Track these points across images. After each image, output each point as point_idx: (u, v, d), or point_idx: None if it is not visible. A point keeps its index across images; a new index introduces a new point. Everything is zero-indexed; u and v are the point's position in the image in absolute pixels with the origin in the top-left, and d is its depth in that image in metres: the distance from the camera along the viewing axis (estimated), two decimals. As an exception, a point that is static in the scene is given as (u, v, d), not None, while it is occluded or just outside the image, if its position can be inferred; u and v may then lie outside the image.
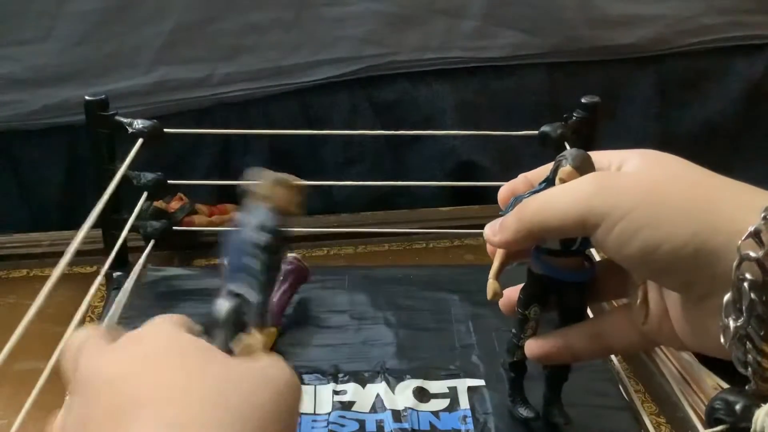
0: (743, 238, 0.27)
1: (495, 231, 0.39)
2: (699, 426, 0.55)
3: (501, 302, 0.45)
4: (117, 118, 0.67)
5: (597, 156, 0.37)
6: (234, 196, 1.01)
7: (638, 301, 0.36)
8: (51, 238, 0.82)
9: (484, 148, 1.13)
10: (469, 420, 0.55)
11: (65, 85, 1.04)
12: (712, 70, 1.22)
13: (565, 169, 0.35)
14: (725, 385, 0.57)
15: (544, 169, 0.39)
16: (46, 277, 0.45)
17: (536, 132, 0.70)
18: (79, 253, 0.49)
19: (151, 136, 0.66)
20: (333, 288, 0.69)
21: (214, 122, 1.10)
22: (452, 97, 1.14)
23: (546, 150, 0.70)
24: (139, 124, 0.66)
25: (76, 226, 0.51)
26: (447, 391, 0.58)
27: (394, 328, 0.64)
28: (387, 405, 0.56)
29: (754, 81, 1.22)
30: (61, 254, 0.47)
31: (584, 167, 0.35)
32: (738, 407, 0.30)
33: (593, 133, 0.70)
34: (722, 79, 1.22)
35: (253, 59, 1.09)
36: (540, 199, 0.36)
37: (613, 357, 0.62)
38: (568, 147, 0.67)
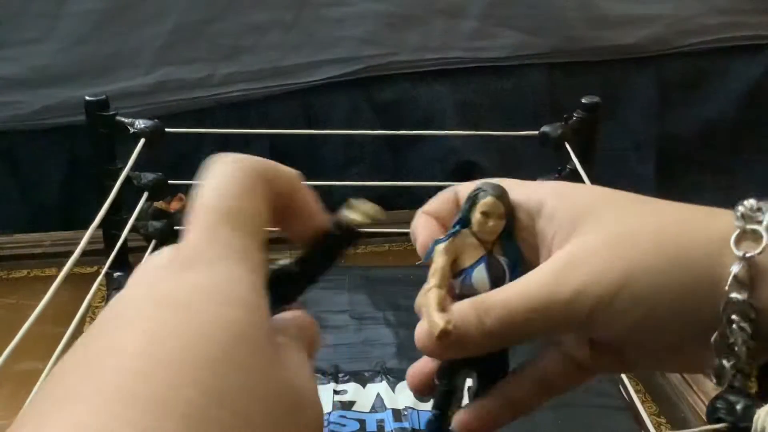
0: (728, 284, 0.27)
1: (430, 338, 0.30)
2: (699, 426, 0.55)
3: (411, 380, 0.36)
4: (117, 118, 0.67)
5: (509, 185, 0.34)
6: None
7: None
8: (51, 238, 0.82)
9: (484, 148, 1.13)
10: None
11: (65, 85, 1.04)
12: (712, 70, 1.22)
13: (487, 200, 0.33)
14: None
15: (443, 203, 0.36)
16: (46, 278, 0.45)
17: (536, 132, 0.70)
18: (80, 253, 0.49)
19: (153, 136, 0.66)
20: (333, 288, 0.69)
21: (214, 122, 1.10)
22: (452, 97, 1.14)
23: (546, 150, 0.70)
24: (140, 124, 0.66)
25: (76, 226, 0.51)
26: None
27: (394, 328, 0.64)
28: (387, 404, 0.56)
29: (754, 81, 1.22)
30: (61, 254, 0.47)
31: (504, 197, 0.33)
32: (739, 407, 0.30)
33: (593, 133, 0.70)
34: (722, 79, 1.22)
35: (253, 59, 1.09)
36: (515, 311, 0.30)
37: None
38: (569, 149, 0.67)
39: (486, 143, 1.12)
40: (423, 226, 0.35)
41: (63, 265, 0.47)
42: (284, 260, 0.30)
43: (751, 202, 0.29)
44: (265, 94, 1.11)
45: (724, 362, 0.29)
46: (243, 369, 0.20)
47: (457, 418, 0.34)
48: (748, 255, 0.27)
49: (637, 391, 0.61)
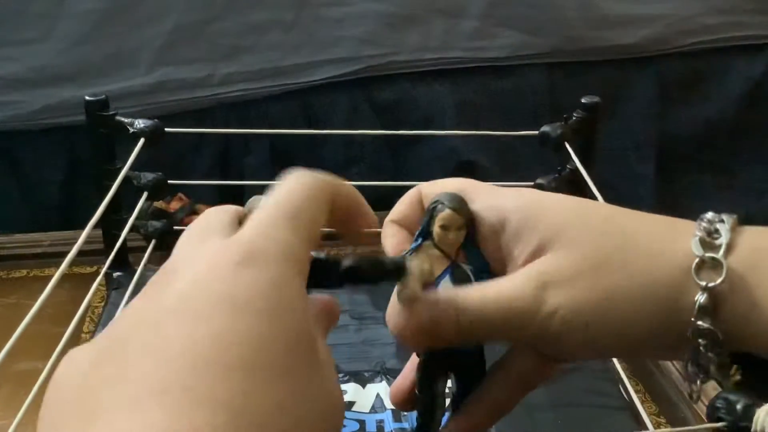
0: (695, 313, 0.29)
1: (420, 322, 0.31)
2: (700, 427, 0.55)
3: (394, 397, 0.36)
4: (117, 118, 0.67)
5: (470, 194, 0.34)
6: (234, 197, 1.02)
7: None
8: (51, 238, 0.82)
9: (484, 148, 1.13)
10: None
11: (65, 85, 1.04)
12: (712, 70, 1.22)
13: (445, 213, 0.32)
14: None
15: (408, 206, 0.36)
16: (46, 277, 0.45)
17: (536, 132, 0.69)
18: (79, 253, 0.49)
19: (153, 136, 0.66)
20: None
21: (214, 122, 1.10)
22: (452, 97, 1.14)
23: (546, 150, 0.70)
24: (140, 123, 0.66)
25: (76, 226, 0.51)
26: (447, 390, 0.58)
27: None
28: (387, 405, 0.56)
29: (754, 81, 1.22)
30: (61, 254, 0.47)
31: (462, 208, 0.33)
32: (739, 407, 0.30)
33: (593, 133, 0.70)
34: (722, 79, 1.22)
35: (253, 59, 1.09)
36: (496, 306, 0.31)
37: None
38: (569, 149, 0.67)
39: (486, 143, 1.12)
40: (390, 236, 0.35)
41: (62, 265, 0.47)
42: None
43: (708, 224, 0.30)
44: (265, 94, 1.11)
45: (694, 386, 0.31)
46: (294, 375, 0.21)
47: (451, 426, 0.35)
48: (710, 285, 0.29)
49: (637, 391, 0.61)
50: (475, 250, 0.34)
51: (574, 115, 0.69)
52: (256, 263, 0.23)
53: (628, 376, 0.61)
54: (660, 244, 0.30)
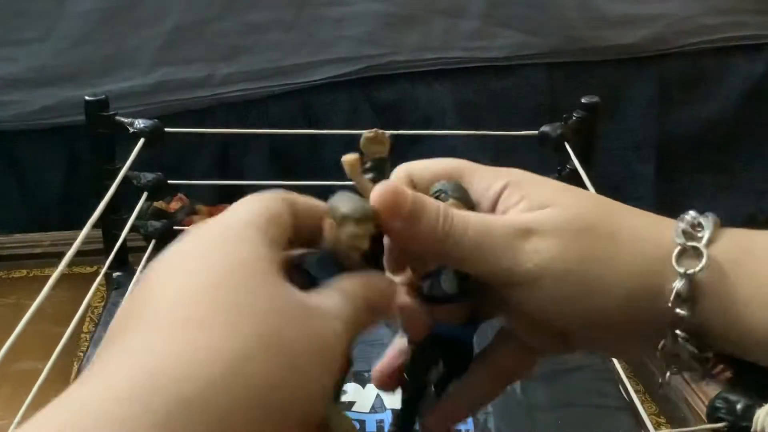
0: (671, 300, 0.29)
1: (403, 212, 0.30)
2: (699, 426, 0.55)
3: (378, 376, 0.36)
4: (117, 118, 0.67)
5: (468, 176, 0.34)
6: (234, 197, 1.01)
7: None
8: (51, 238, 0.82)
9: (483, 148, 1.13)
10: (469, 420, 0.55)
11: (65, 85, 1.04)
12: (711, 70, 1.22)
13: (450, 204, 0.32)
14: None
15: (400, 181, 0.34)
16: (46, 277, 0.44)
17: (536, 132, 0.69)
18: (79, 253, 0.49)
19: (153, 136, 0.66)
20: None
21: (214, 122, 1.10)
22: (452, 97, 1.14)
23: (546, 150, 0.70)
24: (140, 123, 0.66)
25: (76, 226, 0.51)
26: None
27: (394, 328, 0.64)
28: (387, 405, 0.56)
29: (754, 81, 1.22)
30: (61, 254, 0.47)
31: (465, 197, 0.33)
32: (739, 407, 0.30)
33: (593, 133, 0.70)
34: (722, 79, 1.22)
35: (253, 59, 1.09)
36: (470, 235, 0.30)
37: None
38: (569, 149, 0.67)
39: (485, 143, 1.12)
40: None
41: (60, 264, 0.47)
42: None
43: (691, 218, 0.30)
44: (265, 94, 1.11)
45: (669, 372, 0.30)
46: (241, 287, 0.24)
47: (426, 423, 0.35)
48: (689, 272, 0.28)
49: (637, 391, 0.61)
50: None
51: (574, 115, 0.69)
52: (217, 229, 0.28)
53: (628, 376, 0.61)
54: (647, 230, 0.31)
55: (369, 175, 0.32)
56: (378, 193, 0.30)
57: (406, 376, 0.36)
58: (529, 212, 0.31)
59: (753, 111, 1.23)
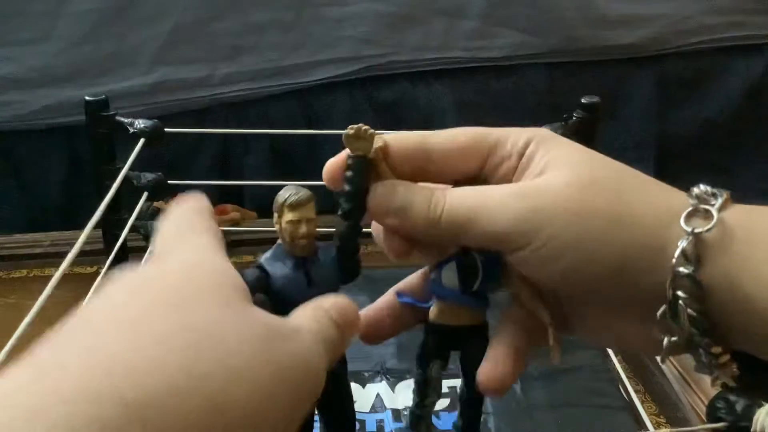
0: (675, 257, 0.27)
1: (392, 209, 0.31)
2: (699, 425, 0.55)
3: (365, 330, 0.35)
4: (117, 118, 0.67)
5: (485, 131, 0.34)
6: (234, 196, 1.02)
7: (550, 341, 0.33)
8: (51, 238, 0.82)
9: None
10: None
11: (65, 85, 1.04)
12: (711, 70, 1.22)
13: None
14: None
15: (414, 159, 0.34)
16: (46, 277, 0.45)
17: (536, 132, 0.69)
18: (79, 253, 0.49)
19: (153, 136, 0.66)
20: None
21: (214, 122, 1.10)
22: (452, 97, 1.14)
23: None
24: (140, 123, 0.66)
25: (76, 226, 0.51)
26: (447, 390, 0.58)
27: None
28: (387, 405, 0.56)
29: (753, 81, 1.22)
30: (61, 254, 0.47)
31: None
32: (739, 407, 0.30)
33: (593, 133, 0.70)
34: (721, 78, 1.22)
35: (253, 59, 1.09)
36: (462, 204, 0.30)
37: (613, 357, 0.62)
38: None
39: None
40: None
41: (61, 265, 0.47)
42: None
43: (705, 187, 0.29)
44: (265, 94, 1.11)
45: (667, 339, 0.29)
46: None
47: (480, 377, 0.32)
48: (696, 231, 0.27)
49: (637, 391, 0.61)
50: None
51: (574, 115, 0.69)
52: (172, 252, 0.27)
53: (628, 376, 0.61)
54: (656, 193, 0.30)
55: (347, 173, 0.31)
56: (371, 195, 0.31)
57: (416, 367, 0.35)
58: (529, 180, 0.31)
59: (753, 111, 1.23)
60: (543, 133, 0.33)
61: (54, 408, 0.18)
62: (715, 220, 0.27)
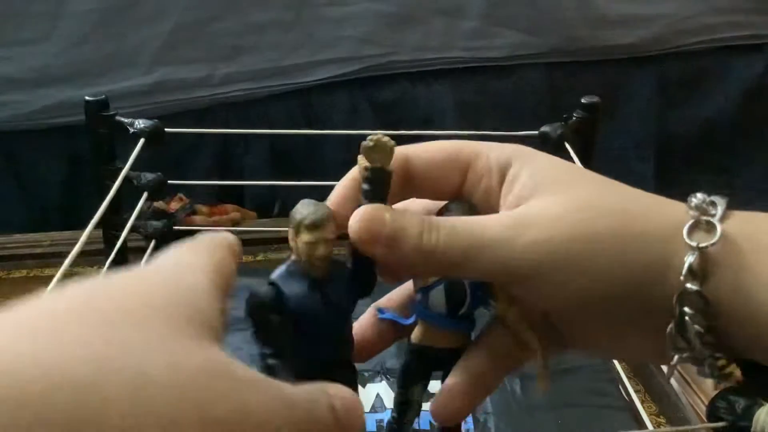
0: (683, 274, 0.27)
1: (381, 239, 0.29)
2: (699, 426, 0.55)
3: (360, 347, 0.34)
4: (117, 118, 0.67)
5: (467, 150, 0.32)
6: (234, 196, 1.02)
7: (539, 369, 0.32)
8: (51, 238, 0.82)
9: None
10: (469, 420, 0.55)
11: (65, 85, 1.04)
12: (711, 70, 1.22)
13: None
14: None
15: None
16: (46, 277, 0.44)
17: (536, 132, 0.69)
18: (79, 253, 0.49)
19: (153, 136, 0.66)
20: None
21: (214, 122, 1.10)
22: (452, 96, 1.14)
23: (546, 150, 0.70)
24: (140, 123, 0.66)
25: (76, 226, 0.51)
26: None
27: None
28: (387, 404, 0.56)
29: (753, 81, 1.22)
30: (61, 254, 0.47)
31: (472, 214, 0.31)
32: (739, 406, 0.30)
33: (593, 133, 0.70)
34: (721, 78, 1.22)
35: (253, 59, 1.09)
36: (460, 238, 0.29)
37: (613, 357, 0.62)
38: (570, 148, 0.67)
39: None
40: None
41: (62, 265, 0.47)
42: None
43: (703, 196, 0.29)
44: (265, 94, 1.11)
45: (677, 357, 0.29)
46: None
47: (432, 409, 0.32)
48: (702, 245, 0.27)
49: (636, 391, 0.61)
50: None
51: (574, 115, 0.69)
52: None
53: (628, 376, 0.61)
54: (654, 207, 0.29)
55: (365, 186, 0.31)
56: (353, 222, 0.29)
57: (397, 386, 0.35)
58: (526, 203, 0.30)
59: (753, 111, 1.23)
60: (524, 151, 0.32)
61: None
62: (718, 233, 0.27)
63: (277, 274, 0.31)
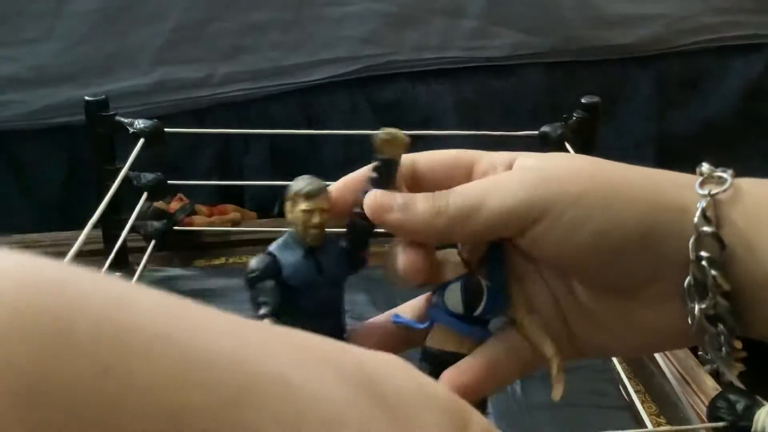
0: (697, 216, 0.27)
1: (395, 205, 0.30)
2: (699, 426, 0.55)
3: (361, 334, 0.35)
4: (117, 118, 0.67)
5: (475, 158, 0.33)
6: (234, 196, 1.02)
7: (553, 373, 0.32)
8: (51, 238, 0.82)
9: (483, 148, 1.13)
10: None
11: (65, 85, 1.04)
12: (710, 70, 1.22)
13: None
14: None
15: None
16: (46, 278, 0.44)
17: (536, 132, 0.69)
18: (79, 253, 0.48)
19: (152, 136, 0.66)
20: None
21: (214, 122, 1.10)
22: (452, 96, 1.14)
23: (546, 150, 0.70)
24: (140, 123, 0.66)
25: (77, 226, 0.51)
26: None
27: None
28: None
29: (753, 80, 1.22)
30: (61, 254, 0.47)
31: None
32: (739, 406, 0.30)
33: (593, 133, 0.70)
34: (721, 78, 1.22)
35: (253, 59, 1.09)
36: (470, 189, 0.30)
37: (613, 357, 0.62)
38: (570, 148, 0.67)
39: (486, 143, 1.12)
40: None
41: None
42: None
43: (710, 166, 0.30)
44: (265, 93, 1.11)
45: (695, 306, 0.28)
46: None
47: (446, 377, 0.32)
48: (713, 192, 0.28)
49: (637, 391, 0.61)
50: (501, 270, 0.32)
51: (574, 115, 0.69)
52: None
53: (628, 376, 0.61)
54: (664, 171, 0.31)
55: (373, 175, 0.32)
56: (368, 198, 0.30)
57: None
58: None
59: (752, 111, 1.23)
60: (527, 154, 0.32)
61: (319, 347, 0.18)
62: (729, 182, 0.28)
63: (274, 245, 0.32)
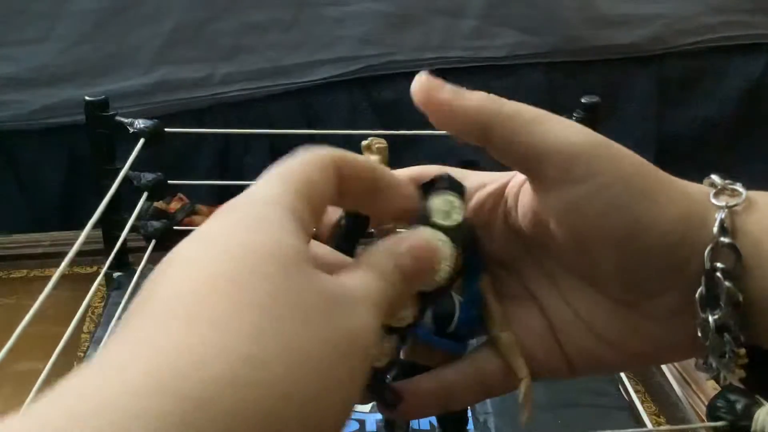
0: (716, 227, 0.27)
1: (447, 86, 0.31)
2: (699, 425, 0.55)
3: None
4: (117, 118, 0.67)
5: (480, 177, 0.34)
6: (234, 196, 1.01)
7: (520, 397, 0.31)
8: (51, 238, 0.82)
9: (483, 148, 1.13)
10: (469, 420, 0.55)
11: (65, 85, 1.04)
12: (710, 70, 1.22)
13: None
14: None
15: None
16: (46, 278, 0.44)
17: (536, 132, 0.69)
18: (79, 253, 0.49)
19: (153, 136, 0.66)
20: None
21: (214, 122, 1.10)
22: (452, 96, 1.15)
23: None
24: (140, 123, 0.66)
25: (76, 226, 0.51)
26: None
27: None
28: (387, 405, 0.56)
29: (753, 80, 1.22)
30: (61, 254, 0.47)
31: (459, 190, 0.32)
32: (739, 406, 0.30)
33: (593, 133, 0.70)
34: (720, 78, 1.22)
35: (253, 59, 1.09)
36: (536, 113, 0.31)
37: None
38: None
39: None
40: None
41: (61, 265, 0.47)
42: None
43: (718, 178, 0.29)
44: (264, 93, 1.11)
45: (709, 317, 0.28)
46: (266, 277, 0.21)
47: (397, 385, 0.31)
48: (730, 204, 0.27)
49: (636, 391, 0.61)
50: (475, 284, 0.31)
51: (574, 115, 0.69)
52: (243, 207, 0.25)
53: (628, 376, 0.61)
54: (678, 181, 0.29)
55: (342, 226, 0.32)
56: (417, 81, 0.31)
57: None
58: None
59: (752, 110, 1.23)
60: None
61: (121, 401, 0.18)
62: (744, 195, 0.28)
63: (336, 236, 0.32)
